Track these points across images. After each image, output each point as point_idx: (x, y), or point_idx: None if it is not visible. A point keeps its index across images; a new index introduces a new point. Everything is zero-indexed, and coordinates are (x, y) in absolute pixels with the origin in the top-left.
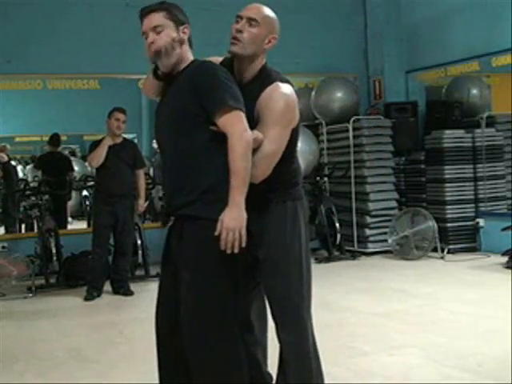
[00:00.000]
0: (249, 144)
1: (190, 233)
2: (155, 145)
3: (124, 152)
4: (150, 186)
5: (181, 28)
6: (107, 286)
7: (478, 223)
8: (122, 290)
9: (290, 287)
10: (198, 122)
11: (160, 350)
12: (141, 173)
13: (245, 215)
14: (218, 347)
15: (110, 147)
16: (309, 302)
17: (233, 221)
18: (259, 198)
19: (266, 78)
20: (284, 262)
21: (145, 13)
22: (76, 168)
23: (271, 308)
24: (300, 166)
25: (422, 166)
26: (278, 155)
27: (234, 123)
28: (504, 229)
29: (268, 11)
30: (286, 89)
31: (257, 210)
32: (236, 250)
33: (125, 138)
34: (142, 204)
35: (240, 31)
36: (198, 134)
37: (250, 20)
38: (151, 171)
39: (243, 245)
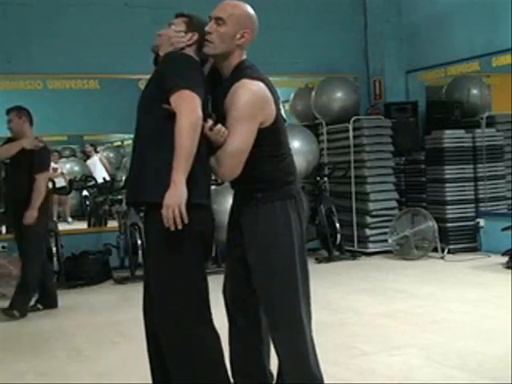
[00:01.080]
0: (194, 123)
1: (145, 220)
2: None
3: (21, 157)
4: None
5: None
6: (107, 286)
7: (478, 223)
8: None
9: (282, 287)
10: (157, 103)
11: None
12: (38, 178)
13: (185, 191)
14: (182, 332)
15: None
16: (306, 301)
17: (172, 198)
18: (247, 197)
19: (238, 74)
20: (275, 263)
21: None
22: (76, 168)
23: (264, 308)
24: (292, 163)
25: (422, 166)
26: (244, 152)
27: (182, 102)
28: (504, 229)
29: (236, 7)
30: (252, 85)
31: (246, 210)
32: (179, 227)
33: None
34: (29, 215)
35: (209, 33)
36: (155, 113)
37: (217, 19)
38: None
39: (185, 221)
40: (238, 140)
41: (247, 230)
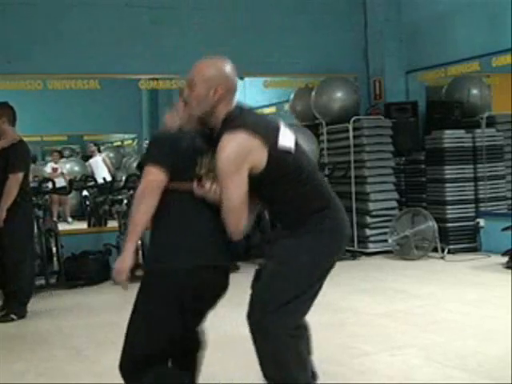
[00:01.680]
0: (140, 192)
1: None
2: None
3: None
4: None
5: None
6: (107, 286)
7: (478, 223)
8: None
9: (278, 284)
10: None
11: None
12: (10, 177)
13: (128, 258)
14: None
15: None
16: (298, 314)
17: (118, 262)
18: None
19: (223, 128)
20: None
21: None
22: (76, 168)
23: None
24: (317, 190)
25: (423, 166)
26: (239, 205)
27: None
28: (504, 229)
29: (203, 68)
30: (231, 139)
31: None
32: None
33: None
34: None
35: (186, 98)
36: None
37: (189, 84)
38: None
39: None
40: (229, 196)
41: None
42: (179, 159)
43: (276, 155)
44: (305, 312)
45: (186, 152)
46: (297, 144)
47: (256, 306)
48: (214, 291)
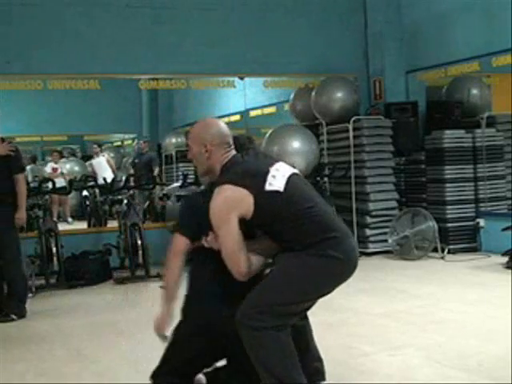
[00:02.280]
0: (168, 256)
1: None
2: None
3: None
4: (151, 186)
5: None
6: (107, 286)
7: (478, 223)
8: None
9: (267, 290)
10: None
11: None
12: (20, 178)
13: (166, 317)
14: None
15: None
16: (279, 317)
17: (157, 320)
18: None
19: (217, 182)
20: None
21: None
22: (76, 168)
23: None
24: (310, 226)
25: (423, 166)
26: (233, 249)
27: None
28: (504, 229)
29: (194, 129)
30: (218, 193)
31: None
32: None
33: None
34: (21, 216)
35: (190, 159)
36: None
37: (188, 145)
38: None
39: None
40: (223, 243)
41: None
42: (203, 220)
43: (264, 200)
44: (289, 318)
45: (207, 211)
46: (293, 178)
47: (243, 306)
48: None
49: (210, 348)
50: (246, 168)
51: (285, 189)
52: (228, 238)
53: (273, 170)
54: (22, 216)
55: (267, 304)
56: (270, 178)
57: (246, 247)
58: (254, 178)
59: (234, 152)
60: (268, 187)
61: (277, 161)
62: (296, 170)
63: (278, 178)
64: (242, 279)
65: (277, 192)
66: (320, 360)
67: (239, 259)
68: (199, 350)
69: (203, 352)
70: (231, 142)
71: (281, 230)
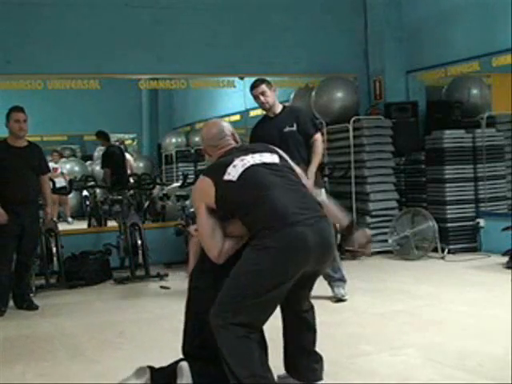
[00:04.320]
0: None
1: None
2: None
3: (29, 156)
4: (151, 186)
5: None
6: (107, 287)
7: (478, 223)
8: (25, 304)
9: (227, 285)
10: None
11: None
12: (46, 178)
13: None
14: None
15: (13, 151)
16: (245, 314)
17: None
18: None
19: None
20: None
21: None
22: (76, 168)
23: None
24: (256, 215)
25: (423, 166)
26: (204, 235)
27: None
28: (504, 229)
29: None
30: (196, 183)
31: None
32: None
33: (29, 142)
34: (51, 212)
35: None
36: None
37: None
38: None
39: None
40: (198, 231)
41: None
42: None
43: (221, 189)
44: (256, 316)
45: None
46: (253, 168)
47: (212, 306)
48: None
49: None
50: (218, 161)
51: (238, 178)
52: (199, 225)
53: (237, 161)
54: (50, 212)
55: (227, 301)
56: (230, 169)
57: (223, 229)
58: (217, 170)
59: (228, 148)
60: (225, 177)
61: (256, 151)
62: (273, 160)
63: (237, 167)
64: (216, 261)
65: (230, 181)
66: (317, 361)
67: (210, 244)
68: None
69: None
70: (225, 140)
71: (240, 217)
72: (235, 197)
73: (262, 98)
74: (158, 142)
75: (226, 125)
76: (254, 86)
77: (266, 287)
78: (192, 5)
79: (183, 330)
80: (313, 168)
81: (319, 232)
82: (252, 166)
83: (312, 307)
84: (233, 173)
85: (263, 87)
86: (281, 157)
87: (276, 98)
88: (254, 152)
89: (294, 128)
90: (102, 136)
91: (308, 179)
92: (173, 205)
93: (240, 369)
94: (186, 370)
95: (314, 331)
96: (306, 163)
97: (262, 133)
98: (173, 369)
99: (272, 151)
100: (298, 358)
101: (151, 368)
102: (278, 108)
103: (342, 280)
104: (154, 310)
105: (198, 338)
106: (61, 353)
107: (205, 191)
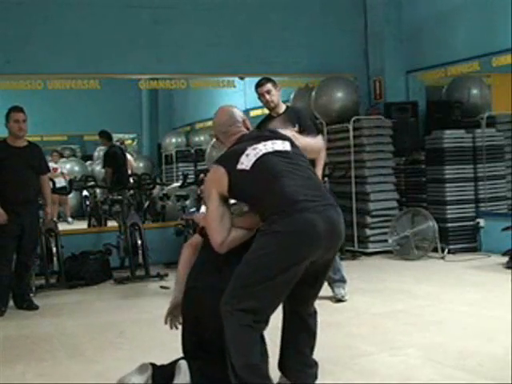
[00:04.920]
0: None
1: None
2: None
3: (29, 156)
4: (151, 186)
5: None
6: (107, 286)
7: (478, 223)
8: (25, 304)
9: (238, 271)
10: None
11: None
12: (46, 178)
13: None
14: None
15: (13, 151)
16: (253, 301)
17: None
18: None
19: None
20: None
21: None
22: (76, 168)
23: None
24: (268, 201)
25: (423, 166)
26: (212, 222)
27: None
28: (504, 229)
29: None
30: (210, 171)
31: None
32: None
33: (29, 141)
34: (50, 211)
35: None
36: None
37: None
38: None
39: None
40: (206, 217)
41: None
42: None
43: (235, 178)
44: (263, 302)
45: None
46: (266, 157)
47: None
48: None
49: None
50: (230, 149)
51: (252, 166)
52: (209, 211)
53: (249, 150)
54: (49, 212)
55: (235, 287)
56: (243, 158)
57: (232, 221)
58: (230, 159)
59: (239, 135)
60: (239, 166)
61: (267, 139)
62: (285, 147)
63: (250, 156)
64: (218, 250)
65: (244, 170)
66: (312, 367)
67: (216, 230)
68: None
69: None
70: (236, 126)
71: (252, 205)
72: (248, 185)
73: (267, 96)
74: (158, 142)
75: (236, 111)
76: (259, 85)
77: (274, 271)
78: (192, 5)
79: (182, 330)
80: (319, 171)
81: (329, 219)
82: (264, 154)
83: (315, 313)
84: (246, 162)
85: (269, 86)
86: (292, 144)
87: (280, 98)
88: (266, 139)
89: (296, 129)
90: (105, 136)
91: None
92: (173, 205)
93: (237, 356)
94: (185, 368)
95: (314, 337)
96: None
97: None
98: (173, 367)
99: (284, 138)
100: (292, 359)
101: (153, 365)
102: (282, 108)
103: (342, 281)
104: (154, 310)
105: (196, 338)
106: (61, 353)
107: (218, 180)
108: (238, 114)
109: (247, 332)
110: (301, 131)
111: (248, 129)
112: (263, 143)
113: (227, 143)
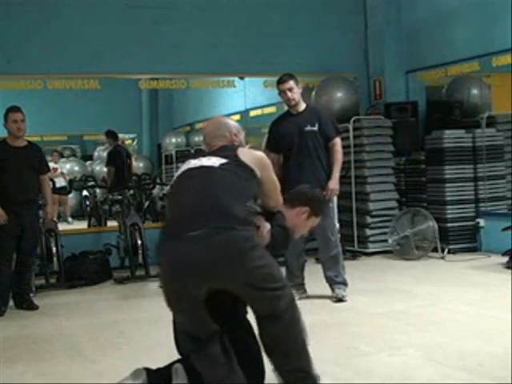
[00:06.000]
0: None
1: None
2: None
3: (29, 156)
4: (151, 186)
5: None
6: (107, 286)
7: (478, 223)
8: (25, 304)
9: None
10: None
11: None
12: (46, 178)
13: None
14: None
15: (13, 151)
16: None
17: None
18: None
19: None
20: None
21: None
22: (76, 168)
23: None
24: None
25: (423, 166)
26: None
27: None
28: (504, 229)
29: None
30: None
31: None
32: None
33: (29, 141)
34: (51, 211)
35: None
36: None
37: None
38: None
39: None
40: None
41: None
42: None
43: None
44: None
45: None
46: (186, 173)
47: None
48: None
49: None
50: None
51: (174, 181)
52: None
53: (185, 164)
54: (50, 211)
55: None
56: (178, 171)
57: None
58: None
59: (213, 149)
60: (174, 178)
61: (207, 155)
62: (213, 163)
63: (179, 170)
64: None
65: (173, 183)
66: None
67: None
68: None
69: None
70: (216, 139)
71: None
72: (168, 198)
73: (288, 93)
74: (158, 142)
75: (226, 123)
76: (281, 81)
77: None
78: (192, 5)
79: (173, 331)
80: (336, 173)
81: (178, 250)
82: (188, 169)
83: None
84: (176, 175)
85: (291, 83)
86: (236, 161)
87: (300, 96)
88: (205, 156)
89: (316, 128)
90: (111, 135)
91: (333, 183)
92: None
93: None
94: (181, 371)
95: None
96: (323, 165)
97: (282, 129)
98: (169, 370)
99: (226, 157)
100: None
101: (148, 370)
102: (302, 106)
103: (344, 283)
104: (153, 310)
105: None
106: (61, 353)
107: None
108: (228, 127)
109: (199, 359)
110: (319, 131)
111: (233, 143)
112: (199, 158)
113: None
